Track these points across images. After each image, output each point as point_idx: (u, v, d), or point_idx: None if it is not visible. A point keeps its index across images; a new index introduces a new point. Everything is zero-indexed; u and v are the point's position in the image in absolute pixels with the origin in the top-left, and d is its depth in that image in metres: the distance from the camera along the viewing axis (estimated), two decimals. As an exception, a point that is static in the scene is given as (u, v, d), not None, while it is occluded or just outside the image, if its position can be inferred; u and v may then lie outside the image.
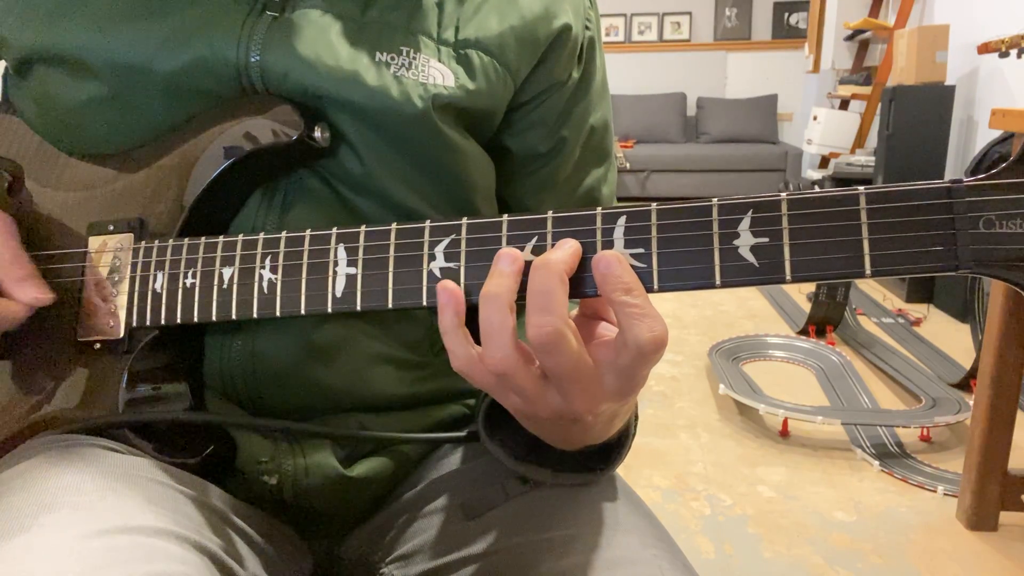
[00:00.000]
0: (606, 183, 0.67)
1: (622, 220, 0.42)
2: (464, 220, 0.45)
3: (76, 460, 0.48)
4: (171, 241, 0.52)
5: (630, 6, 6.37)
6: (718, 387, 2.18)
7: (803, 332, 2.78)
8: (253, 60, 0.52)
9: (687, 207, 0.41)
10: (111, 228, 0.54)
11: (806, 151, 5.05)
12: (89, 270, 0.54)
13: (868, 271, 0.38)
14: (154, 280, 0.52)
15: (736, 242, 0.40)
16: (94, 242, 0.54)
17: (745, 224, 0.40)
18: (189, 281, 0.50)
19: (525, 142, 0.62)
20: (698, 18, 6.41)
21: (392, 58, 0.54)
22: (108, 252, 0.54)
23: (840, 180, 4.09)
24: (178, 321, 0.50)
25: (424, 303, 0.45)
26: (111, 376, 0.52)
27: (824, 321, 2.76)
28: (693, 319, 3.07)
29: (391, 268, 0.46)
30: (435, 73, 0.55)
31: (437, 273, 0.45)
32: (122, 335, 0.52)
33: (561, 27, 0.59)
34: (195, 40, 0.53)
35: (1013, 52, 2.76)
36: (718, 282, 0.40)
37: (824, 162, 4.97)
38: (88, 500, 0.44)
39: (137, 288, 0.52)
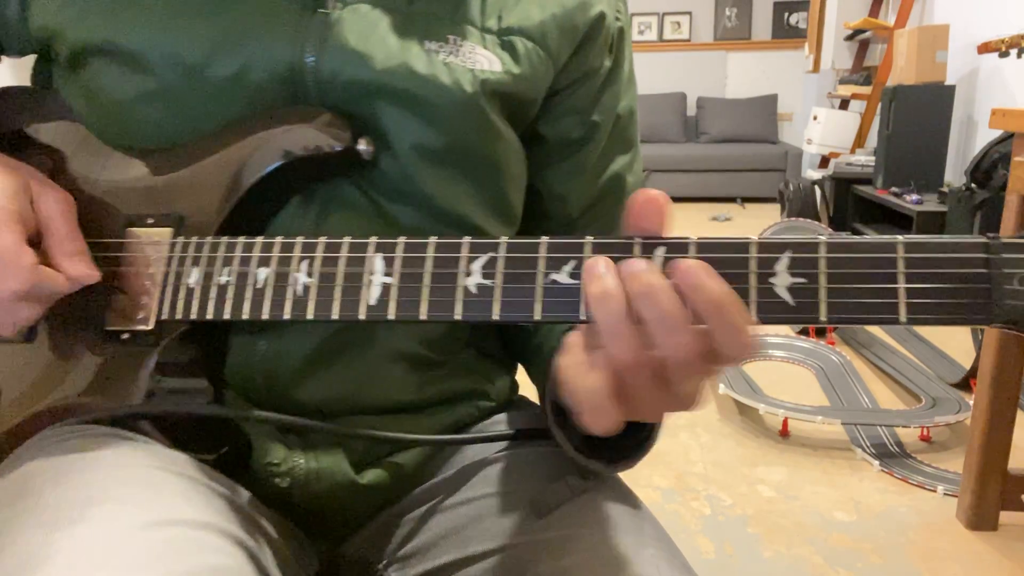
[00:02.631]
0: (631, 172, 0.69)
1: (661, 250, 0.42)
2: (503, 239, 0.45)
3: (109, 453, 0.48)
4: (209, 238, 0.52)
5: (630, 6, 6.29)
6: (718, 387, 2.18)
7: (803, 332, 2.78)
8: (308, 60, 0.54)
9: (726, 242, 0.41)
10: (150, 222, 0.55)
11: (806, 151, 5.05)
12: (124, 260, 0.54)
13: (903, 318, 0.39)
14: (188, 275, 0.52)
15: (772, 280, 0.40)
16: (132, 234, 0.55)
17: (783, 264, 0.40)
18: (223, 279, 0.51)
19: (559, 128, 0.63)
20: (698, 18, 6.41)
21: (440, 46, 0.56)
22: (145, 244, 0.54)
23: (840, 180, 4.09)
24: (209, 317, 0.51)
25: (458, 317, 0.45)
26: (136, 367, 0.53)
27: (824, 321, 2.76)
28: (693, 319, 3.06)
29: (427, 282, 0.46)
30: (481, 59, 0.56)
31: (473, 289, 0.45)
32: (151, 327, 0.52)
33: (597, 15, 0.62)
34: (251, 40, 0.54)
35: (1013, 52, 2.76)
36: (754, 318, 0.40)
37: (824, 162, 4.97)
38: (130, 493, 0.44)
39: (171, 282, 0.52)
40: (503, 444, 0.61)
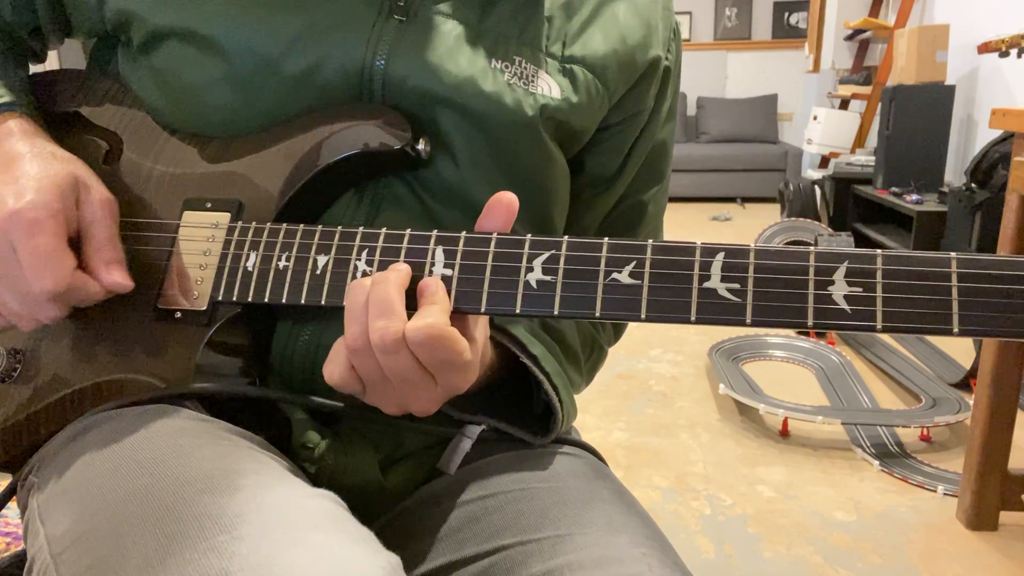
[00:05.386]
0: (654, 201, 0.70)
1: (720, 255, 0.43)
2: (565, 238, 0.46)
3: (203, 427, 0.48)
4: (269, 224, 0.53)
5: (630, 6, 6.35)
6: (718, 387, 2.18)
7: (803, 332, 2.78)
8: (379, 64, 0.55)
9: (785, 250, 0.43)
10: (208, 206, 0.55)
11: (806, 151, 5.05)
12: (179, 241, 0.55)
13: (956, 329, 0.40)
14: (247, 259, 0.52)
15: (831, 289, 0.41)
16: (189, 216, 0.55)
17: (840, 273, 0.41)
18: (283, 264, 0.51)
19: (600, 162, 0.65)
20: (698, 18, 6.41)
21: (506, 66, 0.57)
22: (202, 227, 0.55)
23: (840, 180, 4.08)
24: (266, 300, 0.51)
25: (517, 311, 0.46)
26: (185, 347, 0.53)
27: (824, 321, 2.75)
28: (693, 319, 3.06)
29: (487, 275, 0.46)
30: (543, 84, 0.58)
31: (534, 284, 0.46)
32: (205, 307, 0.53)
33: (653, 58, 0.63)
34: (327, 39, 0.55)
35: (1013, 52, 2.76)
36: (810, 323, 0.41)
37: (824, 162, 4.97)
38: (260, 465, 0.45)
39: (228, 264, 0.53)
40: (498, 447, 0.62)
